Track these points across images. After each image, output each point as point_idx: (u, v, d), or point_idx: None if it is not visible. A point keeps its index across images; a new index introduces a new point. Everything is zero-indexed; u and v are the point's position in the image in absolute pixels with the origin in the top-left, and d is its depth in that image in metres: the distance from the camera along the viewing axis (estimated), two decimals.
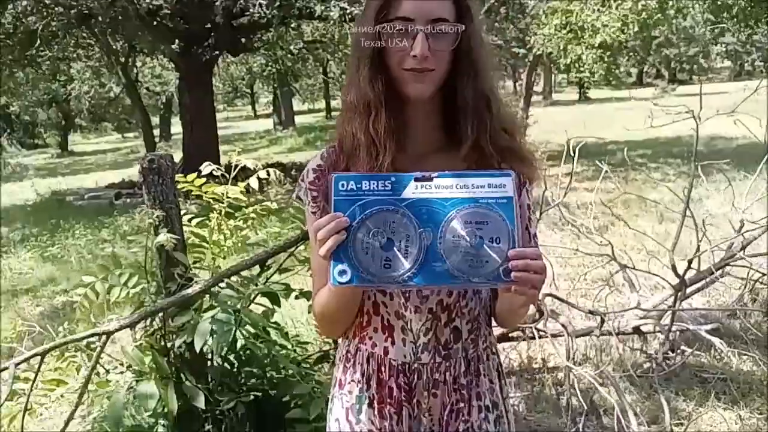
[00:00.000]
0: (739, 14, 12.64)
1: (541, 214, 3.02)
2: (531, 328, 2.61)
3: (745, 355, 3.10)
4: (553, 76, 22.86)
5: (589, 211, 6.56)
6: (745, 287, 3.63)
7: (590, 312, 2.59)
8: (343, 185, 0.90)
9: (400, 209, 0.88)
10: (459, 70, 0.97)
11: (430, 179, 0.89)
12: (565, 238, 5.89)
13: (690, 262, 2.67)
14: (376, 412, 1.05)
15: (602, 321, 2.60)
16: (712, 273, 3.29)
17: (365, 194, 0.89)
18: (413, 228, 0.87)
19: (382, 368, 1.05)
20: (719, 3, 12.48)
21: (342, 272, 0.87)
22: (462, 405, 1.05)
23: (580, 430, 2.35)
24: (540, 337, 3.10)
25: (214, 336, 1.94)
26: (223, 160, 8.54)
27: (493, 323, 1.12)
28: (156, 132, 19.62)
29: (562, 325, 2.66)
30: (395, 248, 0.87)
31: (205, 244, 2.30)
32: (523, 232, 1.03)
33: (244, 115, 33.52)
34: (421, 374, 1.04)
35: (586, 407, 2.41)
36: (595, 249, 4.86)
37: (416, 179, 0.90)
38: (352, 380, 1.09)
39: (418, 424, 1.05)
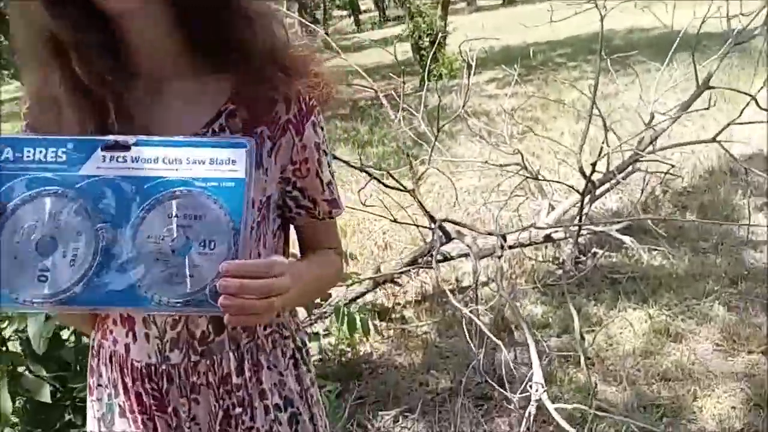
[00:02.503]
0: None
1: (439, 128, 2.79)
2: (433, 253, 2.43)
3: (655, 250, 3.07)
4: None
5: (506, 118, 6.43)
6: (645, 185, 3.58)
7: (489, 233, 2.43)
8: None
9: (70, 193, 0.61)
10: None
11: (127, 147, 0.62)
12: (484, 149, 5.75)
13: (594, 164, 2.52)
14: (130, 423, 0.81)
15: (503, 242, 2.44)
16: (622, 171, 3.20)
17: (30, 167, 0.62)
18: (88, 222, 0.61)
19: (125, 370, 0.80)
20: None
21: None
22: (240, 410, 0.81)
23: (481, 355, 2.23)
24: (446, 260, 2.96)
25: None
26: None
27: None
28: None
29: (468, 246, 2.50)
30: (58, 252, 0.60)
31: None
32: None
33: None
34: (172, 377, 0.79)
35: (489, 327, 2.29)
36: (511, 158, 4.72)
37: (104, 147, 0.62)
38: (100, 384, 0.84)
39: None
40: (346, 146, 6.30)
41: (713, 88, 2.83)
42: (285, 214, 0.84)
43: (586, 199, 3.04)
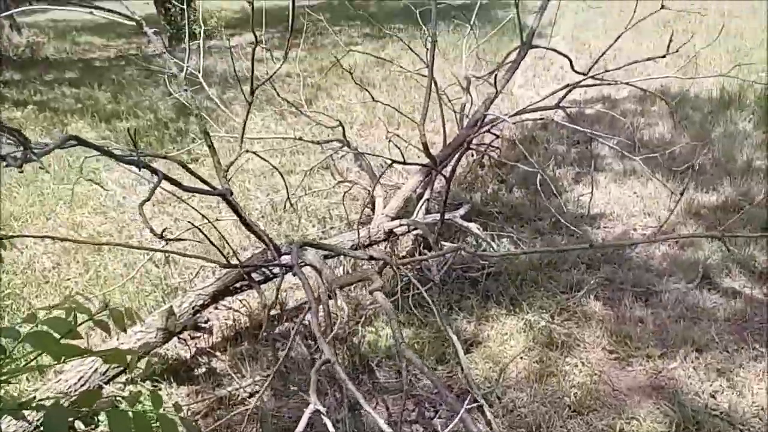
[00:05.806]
0: None
1: (253, 89, 1.90)
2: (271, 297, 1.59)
3: (503, 236, 2.67)
4: None
5: (289, 86, 5.60)
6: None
7: (381, 259, 1.66)
8: None
9: None
10: None
11: None
12: (267, 119, 4.88)
13: (464, 141, 1.92)
14: None
15: (387, 264, 1.73)
16: (460, 144, 2.71)
17: None
18: None
19: None
20: None
21: None
22: None
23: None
24: (267, 280, 2.13)
25: None
26: None
27: None
28: None
29: (317, 271, 1.71)
30: None
31: None
32: None
33: None
34: None
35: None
36: (307, 131, 3.99)
37: None
38: None
39: None
40: (82, 119, 4.80)
41: (535, 47, 2.45)
42: None
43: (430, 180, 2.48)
